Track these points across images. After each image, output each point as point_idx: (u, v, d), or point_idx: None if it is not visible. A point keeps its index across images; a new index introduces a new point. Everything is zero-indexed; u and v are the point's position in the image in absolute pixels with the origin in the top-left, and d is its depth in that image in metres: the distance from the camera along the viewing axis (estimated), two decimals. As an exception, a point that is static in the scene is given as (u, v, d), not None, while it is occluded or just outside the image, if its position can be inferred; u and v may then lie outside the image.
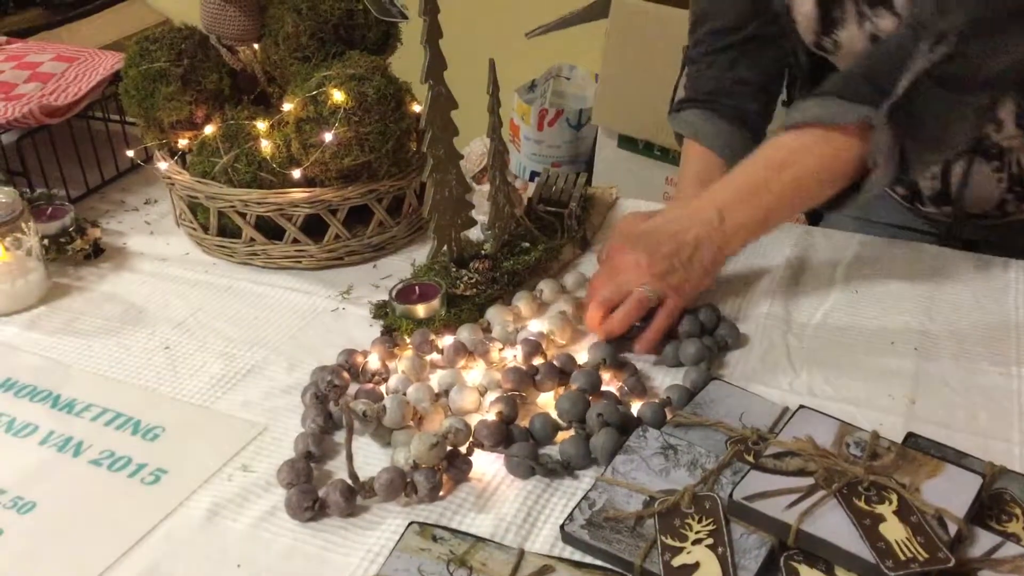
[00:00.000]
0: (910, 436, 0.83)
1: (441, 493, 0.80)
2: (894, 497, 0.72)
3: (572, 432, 0.85)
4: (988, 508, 0.74)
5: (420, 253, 1.15)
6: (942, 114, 0.91)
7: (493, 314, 1.01)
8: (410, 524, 0.76)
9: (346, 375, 0.92)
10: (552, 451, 0.84)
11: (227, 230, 1.14)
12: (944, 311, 1.02)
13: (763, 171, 0.96)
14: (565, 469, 0.82)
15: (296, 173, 1.08)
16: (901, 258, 1.12)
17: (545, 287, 1.06)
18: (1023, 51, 0.89)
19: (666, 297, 0.96)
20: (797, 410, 0.83)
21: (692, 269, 0.96)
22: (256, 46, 1.17)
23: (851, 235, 1.17)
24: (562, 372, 0.92)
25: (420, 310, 1.00)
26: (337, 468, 0.84)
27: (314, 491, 0.79)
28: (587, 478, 0.82)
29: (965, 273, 1.08)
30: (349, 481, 0.79)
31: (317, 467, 0.84)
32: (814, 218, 1.31)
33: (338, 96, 1.04)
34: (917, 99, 0.89)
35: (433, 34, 0.95)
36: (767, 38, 1.14)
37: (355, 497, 0.79)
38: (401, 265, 1.14)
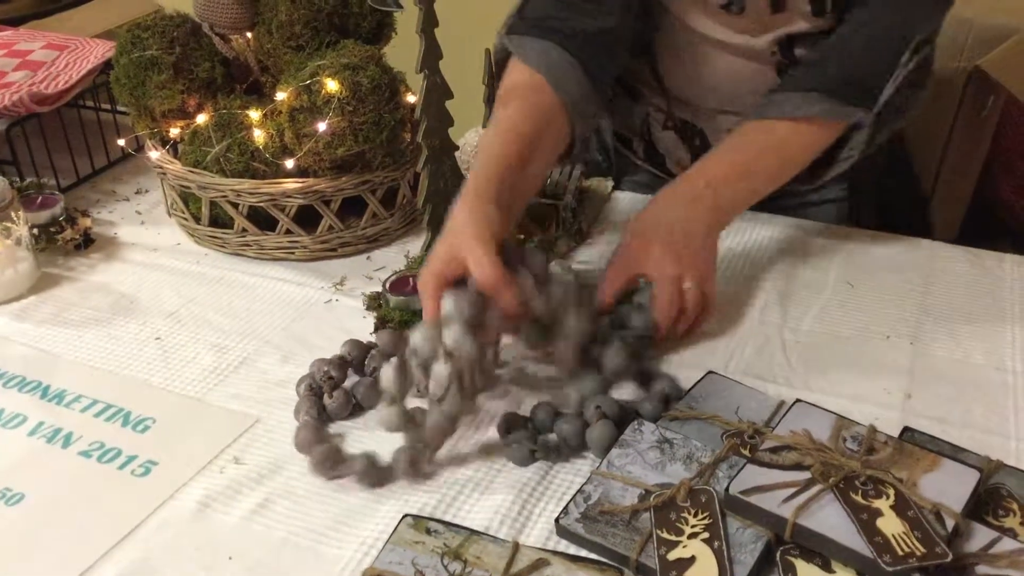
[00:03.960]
0: (906, 430, 0.82)
1: (433, 475, 0.81)
2: (891, 492, 0.72)
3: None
4: (985, 503, 0.74)
5: (414, 245, 1.14)
6: (906, 106, 1.05)
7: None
8: (404, 517, 0.75)
9: (346, 367, 0.91)
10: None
11: (219, 220, 1.13)
12: (939, 305, 1.02)
13: (757, 154, 1.04)
14: (565, 444, 0.82)
15: (289, 163, 1.07)
16: (895, 252, 1.11)
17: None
18: None
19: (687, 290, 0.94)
20: (793, 404, 0.82)
21: (694, 252, 0.96)
22: (249, 35, 1.16)
23: (845, 229, 1.16)
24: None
25: (414, 302, 0.99)
26: (330, 460, 0.83)
27: (338, 450, 0.80)
28: (583, 471, 0.81)
29: (959, 267, 1.08)
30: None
31: (311, 458, 0.83)
32: None
33: (332, 85, 1.03)
34: (895, 100, 1.02)
35: (429, 22, 0.94)
36: None
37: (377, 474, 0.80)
38: (395, 257, 1.13)
